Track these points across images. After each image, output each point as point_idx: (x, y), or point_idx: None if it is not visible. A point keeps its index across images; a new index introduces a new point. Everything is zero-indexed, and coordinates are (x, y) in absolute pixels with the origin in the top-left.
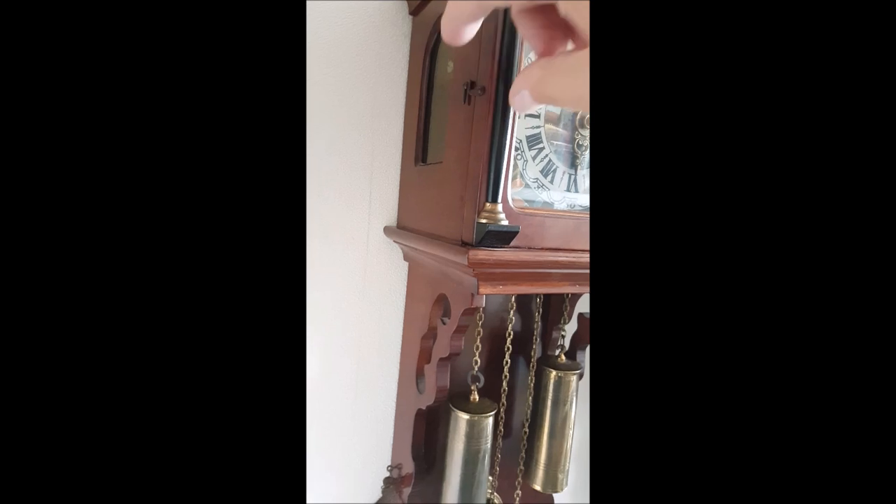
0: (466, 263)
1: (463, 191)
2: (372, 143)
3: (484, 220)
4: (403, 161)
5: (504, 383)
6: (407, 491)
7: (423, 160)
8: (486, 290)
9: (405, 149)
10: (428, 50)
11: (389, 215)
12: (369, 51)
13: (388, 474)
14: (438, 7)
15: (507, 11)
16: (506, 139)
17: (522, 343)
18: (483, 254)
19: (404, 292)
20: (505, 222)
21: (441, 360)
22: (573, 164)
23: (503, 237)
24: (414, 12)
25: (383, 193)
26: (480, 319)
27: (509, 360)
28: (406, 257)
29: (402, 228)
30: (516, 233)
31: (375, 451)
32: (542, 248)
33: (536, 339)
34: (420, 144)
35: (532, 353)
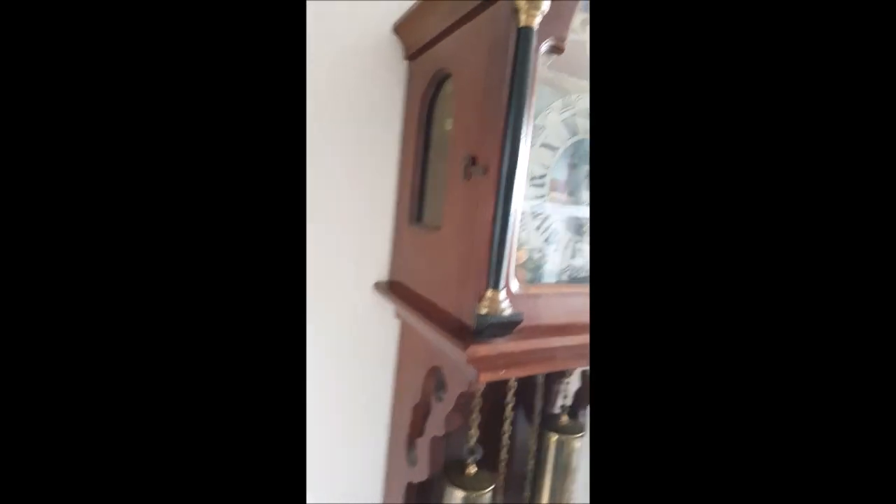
0: (466, 361)
1: (463, 271)
2: (363, 193)
3: (485, 311)
4: (398, 214)
5: (503, 451)
6: None
7: (419, 219)
8: (486, 377)
9: (399, 201)
10: (425, 101)
11: (380, 269)
12: (362, 94)
13: None
14: (436, 57)
15: (513, 82)
16: (509, 224)
17: (526, 395)
18: (484, 349)
19: (395, 349)
20: (508, 311)
21: (436, 438)
22: (578, 231)
23: (505, 327)
24: (410, 57)
25: (374, 246)
26: (479, 391)
27: (510, 428)
28: (398, 315)
29: (394, 283)
30: (518, 321)
31: None
32: (547, 328)
33: (539, 390)
34: (415, 202)
35: (535, 408)
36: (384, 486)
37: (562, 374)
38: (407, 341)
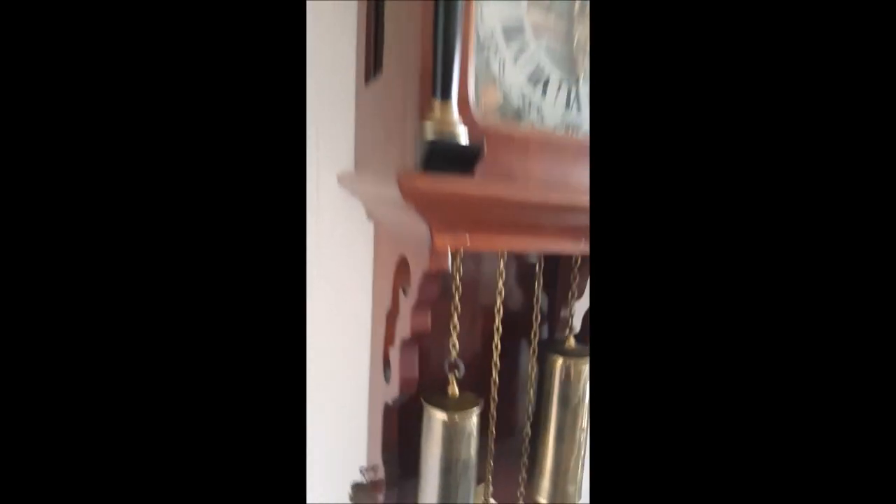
0: (400, 195)
1: (403, 96)
2: (313, 66)
3: (432, 135)
4: (358, 90)
5: (494, 372)
6: (380, 497)
7: (377, 70)
8: (443, 239)
9: (358, 59)
10: None
11: (344, 160)
12: None
13: (359, 477)
14: None
15: None
16: (457, 8)
17: (522, 322)
18: (424, 181)
19: (371, 260)
20: (464, 136)
21: (405, 342)
22: (573, 71)
23: (460, 158)
24: None
25: (333, 133)
26: (457, 290)
27: (500, 344)
28: (369, 213)
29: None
30: (478, 152)
31: (348, 450)
32: (526, 185)
33: (538, 318)
34: (371, 53)
35: (533, 335)
36: (369, 412)
37: (567, 292)
38: (380, 241)
